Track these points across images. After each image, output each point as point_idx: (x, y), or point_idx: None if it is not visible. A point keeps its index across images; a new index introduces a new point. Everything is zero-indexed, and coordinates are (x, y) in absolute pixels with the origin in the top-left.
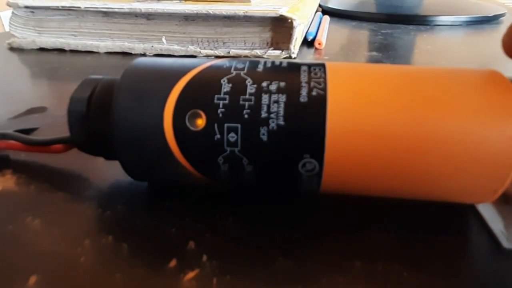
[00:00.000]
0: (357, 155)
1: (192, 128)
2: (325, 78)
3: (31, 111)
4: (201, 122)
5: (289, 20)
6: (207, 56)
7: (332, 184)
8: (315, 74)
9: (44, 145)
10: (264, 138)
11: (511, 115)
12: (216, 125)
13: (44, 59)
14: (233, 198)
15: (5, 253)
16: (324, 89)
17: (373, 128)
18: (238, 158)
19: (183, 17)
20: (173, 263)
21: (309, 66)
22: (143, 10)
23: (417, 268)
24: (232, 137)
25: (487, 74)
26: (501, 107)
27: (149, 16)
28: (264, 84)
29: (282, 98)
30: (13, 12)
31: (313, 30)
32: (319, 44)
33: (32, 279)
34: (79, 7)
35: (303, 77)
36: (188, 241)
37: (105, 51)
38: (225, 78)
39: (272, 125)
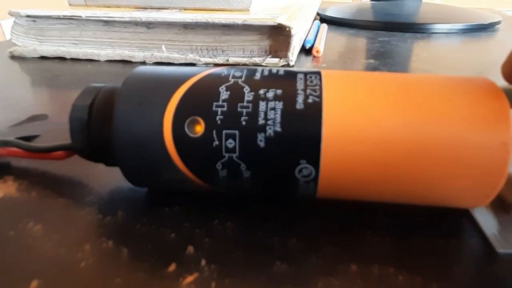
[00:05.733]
0: (352, 161)
1: (191, 135)
2: (320, 86)
3: (32, 119)
4: (200, 129)
5: (287, 29)
6: (206, 64)
7: (328, 189)
8: (311, 81)
9: (45, 152)
10: (262, 144)
11: (501, 121)
12: (214, 132)
13: (45, 67)
14: (231, 203)
15: (7, 258)
16: (320, 96)
17: (368, 135)
18: (236, 164)
19: (182, 25)
20: (172, 267)
21: (305, 74)
22: (143, 19)
23: (412, 271)
24: (230, 143)
25: (479, 81)
26: (492, 113)
27: (149, 25)
28: (261, 91)
29: (279, 105)
30: (14, 21)
31: (311, 38)
32: (317, 51)
33: (34, 284)
34: (80, 16)
35: (299, 85)
36: (187, 246)
37: (106, 59)
38: (223, 86)
39: (269, 131)
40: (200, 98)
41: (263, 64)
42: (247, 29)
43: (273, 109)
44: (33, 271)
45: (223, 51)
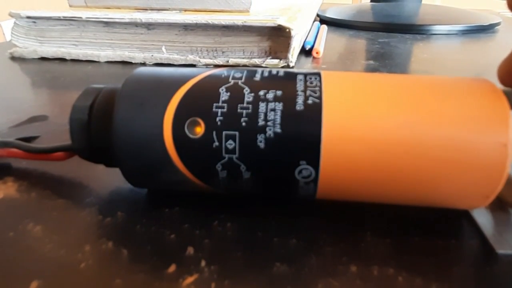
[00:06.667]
0: (352, 162)
1: (191, 136)
2: (320, 87)
3: (32, 120)
4: (200, 130)
5: (287, 30)
6: (207, 65)
7: (328, 190)
8: (311, 83)
9: (45, 153)
10: (262, 145)
11: (501, 122)
12: (214, 133)
13: (45, 68)
14: (231, 204)
15: (6, 259)
16: (320, 98)
17: (368, 136)
18: (236, 165)
19: (182, 27)
20: (172, 268)
21: (305, 75)
22: (143, 20)
23: (412, 272)
24: (230, 144)
25: (479, 83)
26: (492, 114)
27: (149, 26)
28: (261, 92)
29: (279, 106)
30: (15, 22)
31: (311, 39)
32: (317, 53)
33: (33, 285)
34: (80, 17)
35: (299, 86)
36: (187, 247)
37: (106, 60)
38: (223, 87)
39: (269, 132)
40: (200, 99)
41: (263, 65)
42: (247, 30)
43: (273, 110)
44: (33, 272)
45: (223, 52)
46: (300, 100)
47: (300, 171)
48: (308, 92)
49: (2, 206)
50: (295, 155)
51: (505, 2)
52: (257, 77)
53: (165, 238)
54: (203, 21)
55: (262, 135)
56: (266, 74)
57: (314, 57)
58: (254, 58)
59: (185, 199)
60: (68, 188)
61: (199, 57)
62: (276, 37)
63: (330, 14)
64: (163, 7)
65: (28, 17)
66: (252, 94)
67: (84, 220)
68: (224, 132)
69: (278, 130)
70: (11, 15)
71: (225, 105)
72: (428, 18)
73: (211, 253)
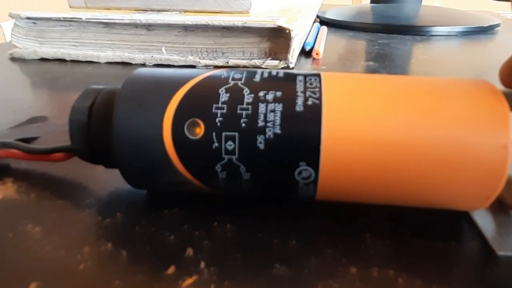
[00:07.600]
0: (352, 163)
1: (190, 137)
2: (320, 88)
3: (32, 120)
4: (199, 131)
5: (287, 31)
6: (206, 66)
7: (327, 191)
8: (311, 84)
9: (45, 154)
10: (261, 146)
11: (501, 124)
12: (214, 134)
13: (45, 69)
14: (231, 205)
15: (5, 260)
16: (320, 98)
17: (367, 137)
18: (236, 166)
19: (182, 27)
20: (171, 269)
21: (305, 76)
22: (143, 21)
23: (412, 273)
24: (230, 145)
25: (479, 84)
26: (492, 115)
27: (149, 27)
28: (261, 93)
29: (279, 107)
30: (15, 23)
31: (311, 40)
32: (317, 54)
33: (32, 286)
34: (80, 18)
35: (299, 87)
36: (186, 248)
37: (106, 61)
38: (223, 88)
39: (269, 133)
40: (200, 100)
41: (263, 66)
42: (247, 31)
43: (273, 111)
44: (32, 273)
45: (223, 53)
46: (300, 101)
47: (300, 172)
48: (308, 93)
49: (1, 207)
50: (295, 156)
51: (509, 4)
52: (257, 78)
53: (165, 239)
54: (203, 22)
55: (262, 136)
56: (266, 75)
57: (314, 58)
58: (254, 59)
59: (184, 200)
60: (68, 189)
61: (199, 58)
62: (276, 38)
63: (330, 15)
64: (163, 8)
65: (28, 18)
66: (252, 95)
67: (83, 221)
68: (223, 133)
69: (278, 131)
70: (11, 16)
71: (224, 106)
72: (428, 19)
73: (210, 254)
